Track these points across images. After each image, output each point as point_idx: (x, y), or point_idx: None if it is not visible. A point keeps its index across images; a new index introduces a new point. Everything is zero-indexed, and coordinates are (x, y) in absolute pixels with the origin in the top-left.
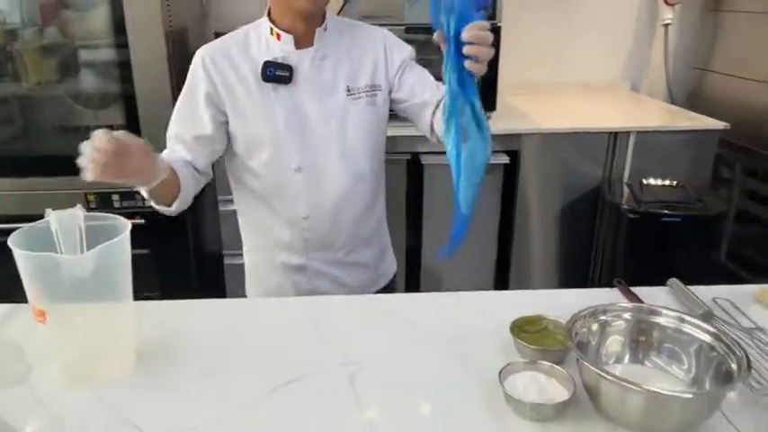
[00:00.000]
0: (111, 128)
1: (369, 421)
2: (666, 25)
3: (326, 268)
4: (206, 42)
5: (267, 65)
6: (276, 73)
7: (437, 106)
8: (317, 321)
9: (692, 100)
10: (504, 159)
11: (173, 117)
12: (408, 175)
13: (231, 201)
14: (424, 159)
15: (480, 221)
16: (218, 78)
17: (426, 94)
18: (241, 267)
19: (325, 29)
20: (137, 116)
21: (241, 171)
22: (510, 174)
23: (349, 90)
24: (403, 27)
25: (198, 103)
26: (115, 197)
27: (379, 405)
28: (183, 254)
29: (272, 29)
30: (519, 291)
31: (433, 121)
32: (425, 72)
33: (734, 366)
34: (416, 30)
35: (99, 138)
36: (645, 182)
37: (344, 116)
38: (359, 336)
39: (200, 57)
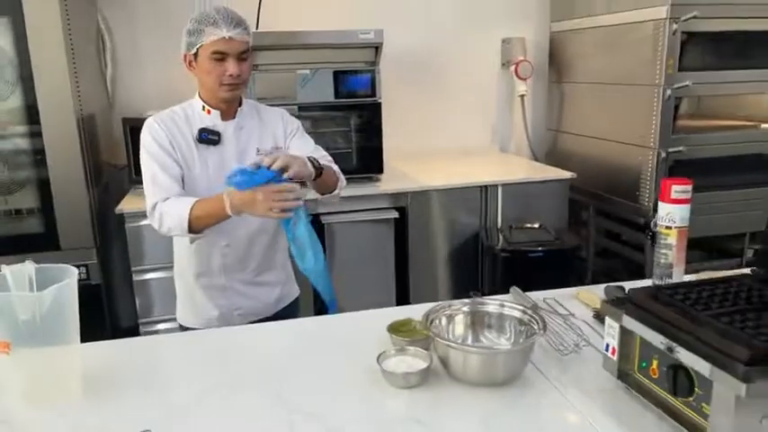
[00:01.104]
0: (20, 212)
1: (278, 394)
2: (522, 96)
3: (242, 287)
4: (113, 129)
5: (202, 130)
6: (208, 137)
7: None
8: (231, 345)
9: (550, 156)
10: (394, 215)
11: (152, 180)
12: None
13: (144, 270)
14: (324, 219)
15: (378, 268)
16: (171, 136)
17: (306, 152)
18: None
19: (241, 107)
20: (51, 200)
21: None
22: (400, 226)
23: (258, 150)
24: (296, 106)
25: (169, 152)
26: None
27: (293, 384)
28: (100, 325)
29: (203, 106)
30: (398, 307)
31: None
32: (308, 138)
33: (537, 329)
34: (308, 108)
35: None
36: (514, 226)
37: None
38: (283, 351)
39: (154, 121)
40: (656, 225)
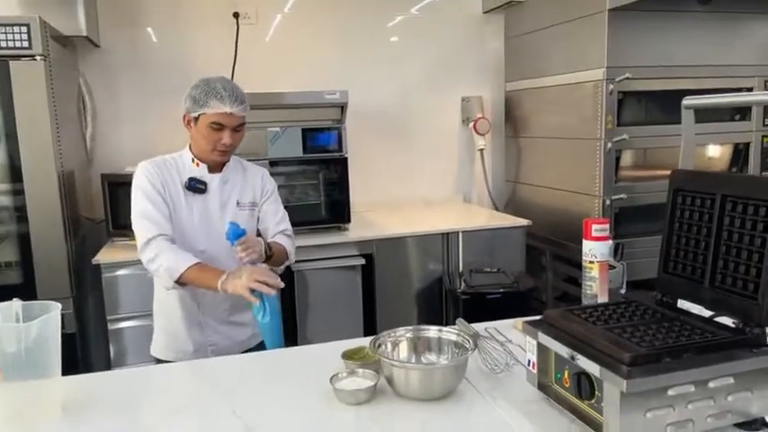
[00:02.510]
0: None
1: (237, 413)
2: (481, 150)
3: (217, 325)
4: (91, 184)
5: (191, 179)
6: (196, 185)
7: (275, 234)
8: (198, 375)
9: (510, 205)
10: (361, 261)
11: (144, 216)
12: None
13: (119, 319)
14: (294, 267)
15: (347, 311)
16: (162, 179)
17: (270, 223)
18: None
19: (228, 163)
20: (30, 253)
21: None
22: (368, 272)
23: (238, 204)
24: (267, 161)
25: (160, 192)
26: None
27: (252, 404)
28: (73, 373)
29: (193, 159)
30: (353, 339)
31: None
32: (279, 204)
33: (468, 348)
34: (278, 163)
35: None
36: (474, 270)
37: (236, 219)
38: (244, 378)
39: (148, 164)
40: (608, 268)
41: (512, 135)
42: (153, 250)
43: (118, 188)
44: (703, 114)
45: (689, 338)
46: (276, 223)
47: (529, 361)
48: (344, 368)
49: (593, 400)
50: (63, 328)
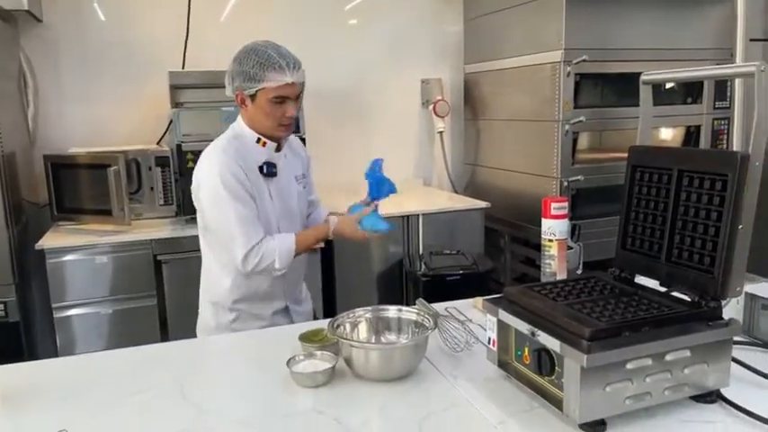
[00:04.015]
0: None
1: (190, 397)
2: (440, 132)
3: (296, 306)
4: (33, 166)
5: (266, 164)
6: (271, 170)
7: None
8: (150, 360)
9: (469, 188)
10: (320, 244)
11: (242, 221)
12: None
13: (65, 307)
14: None
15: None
16: (246, 170)
17: (313, 195)
18: None
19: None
20: None
21: None
22: (328, 254)
23: (296, 178)
24: None
25: (247, 188)
26: None
27: (205, 388)
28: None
29: (258, 139)
30: (310, 321)
31: (310, 220)
32: (312, 183)
33: (428, 327)
34: None
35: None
36: (434, 252)
37: (298, 195)
38: (199, 363)
39: (225, 161)
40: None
41: (471, 117)
42: (258, 252)
43: (62, 170)
44: (657, 97)
45: (647, 312)
46: (313, 197)
47: (489, 339)
48: (302, 351)
49: (553, 377)
50: (6, 316)
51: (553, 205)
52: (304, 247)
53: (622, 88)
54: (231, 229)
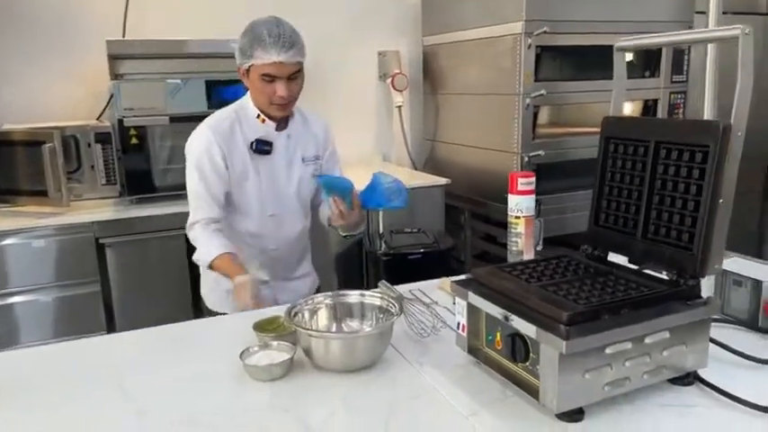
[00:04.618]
0: None
1: (133, 393)
2: (399, 107)
3: (285, 283)
4: None
5: (257, 141)
6: (262, 148)
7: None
8: (96, 358)
9: (429, 164)
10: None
11: (195, 197)
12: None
13: (7, 294)
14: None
15: None
16: (227, 149)
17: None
18: None
19: (293, 117)
20: None
21: (232, 217)
22: None
23: (303, 160)
24: (167, 117)
25: (218, 169)
26: None
27: (151, 383)
28: None
29: (258, 114)
30: (264, 309)
31: (321, 207)
32: (338, 163)
33: (394, 312)
34: (180, 119)
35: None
36: (394, 231)
37: (302, 178)
38: (144, 356)
39: (211, 133)
40: None
41: (430, 92)
42: (192, 237)
43: None
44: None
45: (625, 293)
46: None
47: (458, 324)
48: (257, 341)
49: (527, 363)
50: None
51: (520, 180)
52: (218, 270)
53: (583, 61)
54: (190, 199)
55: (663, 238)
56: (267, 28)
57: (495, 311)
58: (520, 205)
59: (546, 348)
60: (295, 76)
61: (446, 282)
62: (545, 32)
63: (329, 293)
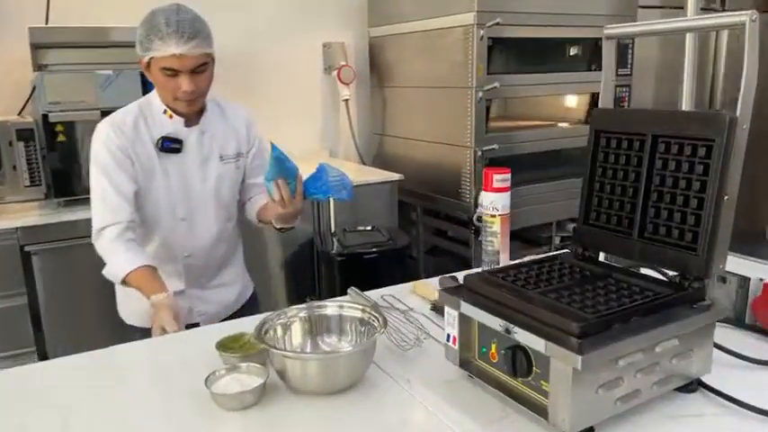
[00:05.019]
0: None
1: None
2: (346, 101)
3: (202, 293)
4: None
5: (164, 139)
6: (171, 145)
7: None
8: (32, 390)
9: (378, 159)
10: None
11: (101, 199)
12: None
13: None
14: None
15: None
16: (130, 145)
17: (258, 178)
18: None
19: (205, 111)
20: None
21: (140, 220)
22: None
23: (222, 158)
24: (98, 110)
25: (123, 165)
26: None
27: (101, 418)
28: None
29: (165, 110)
30: (228, 321)
31: (250, 204)
32: (266, 157)
33: (378, 327)
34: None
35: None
36: (347, 230)
37: (219, 178)
38: (93, 384)
39: (110, 129)
40: (479, 219)
41: (378, 85)
42: (101, 245)
43: None
44: (561, 64)
45: (631, 299)
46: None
47: (448, 336)
48: (221, 362)
49: (529, 378)
50: None
51: (496, 177)
52: (133, 285)
53: (534, 54)
54: (93, 202)
55: (663, 237)
56: (165, 16)
57: (494, 323)
58: (495, 203)
59: (557, 364)
60: (201, 69)
61: (419, 286)
62: (498, 24)
63: (302, 306)
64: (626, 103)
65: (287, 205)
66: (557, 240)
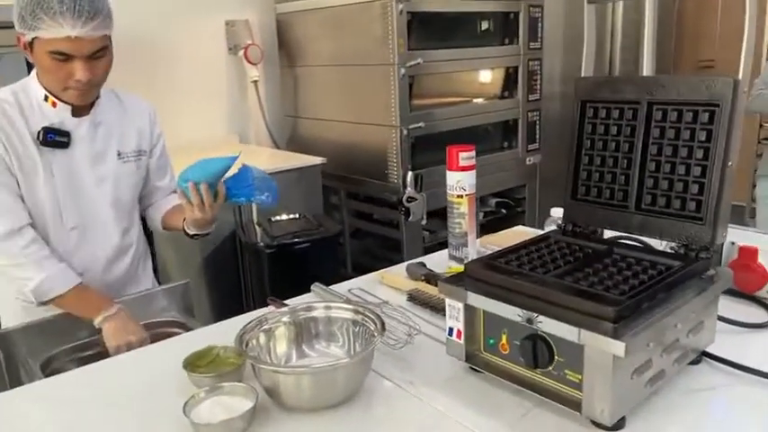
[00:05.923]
0: None
1: None
2: (255, 82)
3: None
4: None
5: (47, 130)
6: (55, 138)
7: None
8: None
9: (292, 143)
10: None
11: None
12: None
13: None
14: None
15: None
16: (4, 135)
17: (164, 180)
18: None
19: (98, 99)
20: None
21: None
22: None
23: (120, 155)
24: None
25: (4, 160)
26: None
27: None
28: None
29: (46, 96)
30: (193, 331)
31: (153, 209)
32: (168, 160)
33: (373, 329)
34: None
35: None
36: (273, 219)
37: (118, 178)
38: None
39: None
40: (409, 200)
41: (288, 64)
42: (15, 247)
43: None
44: (473, 39)
45: (650, 276)
46: (171, 178)
47: (451, 330)
48: (193, 384)
49: (550, 368)
50: None
51: (462, 155)
52: (67, 304)
53: (452, 29)
54: None
55: (662, 208)
56: None
57: (511, 313)
58: (462, 182)
59: (591, 352)
60: (99, 54)
61: (386, 275)
62: None
63: (285, 310)
64: (538, 77)
65: (206, 210)
66: (480, 216)
